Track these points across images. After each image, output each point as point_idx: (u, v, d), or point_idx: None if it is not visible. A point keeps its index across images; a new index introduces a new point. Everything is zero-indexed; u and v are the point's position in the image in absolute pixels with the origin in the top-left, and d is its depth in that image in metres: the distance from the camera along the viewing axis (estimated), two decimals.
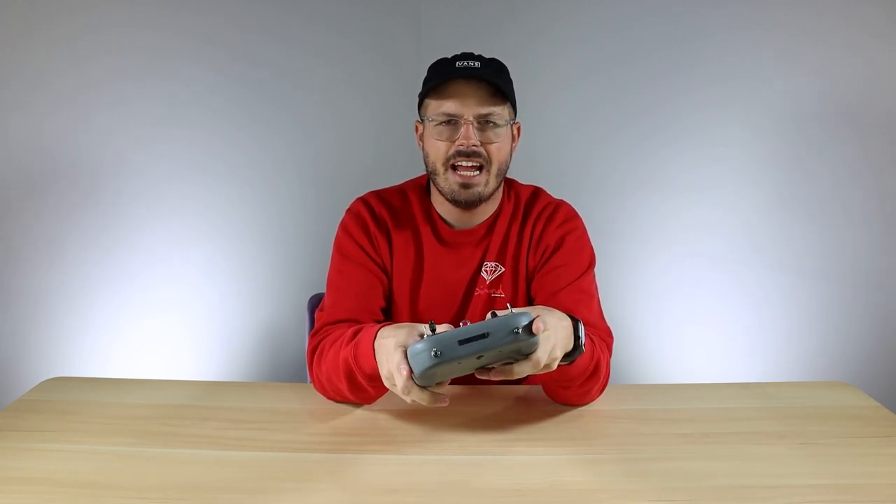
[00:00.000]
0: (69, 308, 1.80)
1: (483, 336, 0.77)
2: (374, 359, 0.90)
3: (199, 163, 1.93)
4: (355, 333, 0.98)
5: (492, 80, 1.06)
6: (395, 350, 0.82)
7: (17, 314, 1.75)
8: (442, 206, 1.16)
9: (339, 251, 1.16)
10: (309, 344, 1.09)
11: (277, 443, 0.95)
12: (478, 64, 1.07)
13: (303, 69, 2.03)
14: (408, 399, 0.83)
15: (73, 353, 1.81)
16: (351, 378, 0.98)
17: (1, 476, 0.85)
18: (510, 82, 1.12)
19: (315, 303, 1.42)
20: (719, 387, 1.17)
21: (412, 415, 1.03)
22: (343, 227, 1.18)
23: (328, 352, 1.02)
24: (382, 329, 0.92)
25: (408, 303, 1.16)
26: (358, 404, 1.06)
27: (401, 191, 1.21)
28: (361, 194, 1.22)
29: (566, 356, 0.89)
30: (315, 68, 2.05)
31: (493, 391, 1.13)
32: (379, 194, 1.20)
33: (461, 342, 0.76)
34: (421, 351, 0.77)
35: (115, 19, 1.74)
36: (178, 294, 1.95)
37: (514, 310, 0.80)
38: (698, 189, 2.00)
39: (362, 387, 0.98)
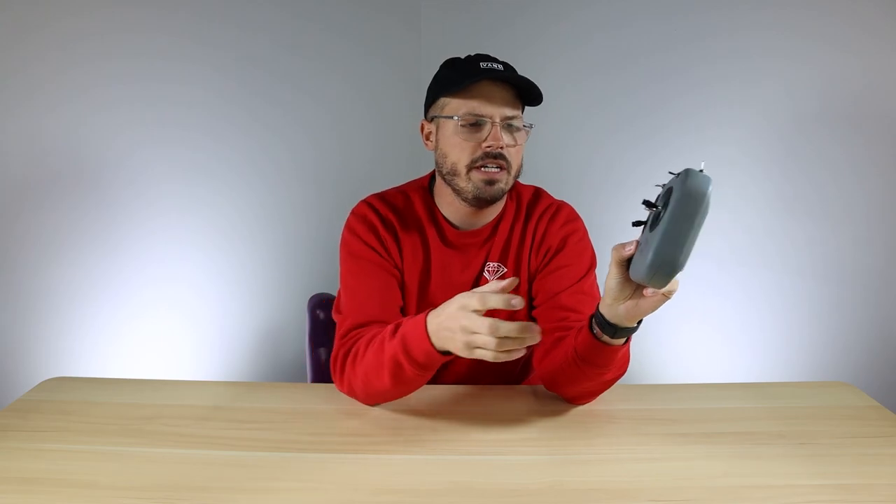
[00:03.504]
0: (69, 308, 1.80)
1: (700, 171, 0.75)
2: (429, 342, 0.89)
3: (200, 163, 1.93)
4: (396, 328, 0.96)
5: (521, 81, 1.05)
6: (461, 299, 0.83)
7: (18, 314, 1.75)
8: (449, 208, 1.15)
9: (351, 254, 1.14)
10: (336, 348, 1.06)
11: (277, 443, 0.95)
12: (500, 66, 1.07)
13: (302, 70, 2.03)
14: (493, 338, 0.81)
15: (73, 353, 1.82)
16: (398, 372, 0.95)
17: (1, 476, 0.85)
18: (535, 85, 1.10)
19: (315, 303, 1.42)
20: (719, 387, 1.17)
21: (412, 415, 1.03)
22: (350, 230, 1.15)
23: (364, 353, 0.99)
24: (429, 314, 0.90)
25: (415, 304, 1.16)
26: (372, 404, 1.06)
27: (402, 192, 1.20)
28: (362, 196, 1.21)
29: (626, 330, 0.89)
30: (314, 69, 2.05)
31: (493, 391, 1.13)
32: (381, 197, 1.19)
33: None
34: (706, 177, 0.74)
35: (114, 21, 1.74)
36: (178, 294, 1.95)
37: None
38: None
39: (409, 379, 0.96)
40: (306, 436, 0.97)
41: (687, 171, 0.75)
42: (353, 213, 1.18)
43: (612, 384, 1.04)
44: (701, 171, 0.75)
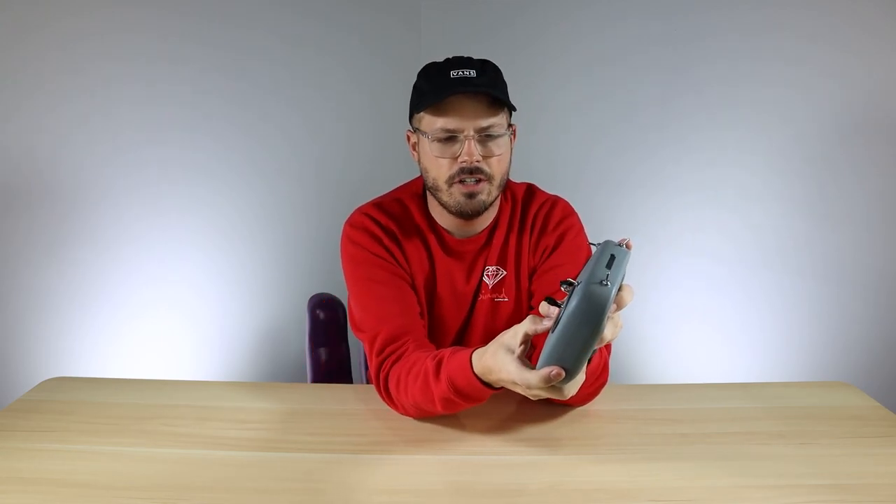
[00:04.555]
0: (69, 308, 1.80)
1: (613, 257, 0.72)
2: (482, 384, 0.87)
3: (200, 163, 1.93)
4: (437, 367, 0.92)
5: (490, 91, 1.01)
6: (515, 368, 0.78)
7: (18, 314, 1.75)
8: (442, 216, 1.14)
9: (357, 265, 1.10)
10: (375, 368, 1.03)
11: (277, 443, 0.95)
12: (473, 72, 1.01)
13: (302, 70, 2.03)
14: (531, 394, 0.79)
15: (73, 353, 1.82)
16: (452, 406, 0.94)
17: (1, 476, 0.85)
18: (505, 85, 1.07)
19: (315, 303, 1.42)
20: (719, 387, 1.17)
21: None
22: (352, 242, 1.12)
23: (408, 382, 0.96)
24: (473, 358, 0.87)
25: (425, 313, 1.14)
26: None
27: (397, 199, 1.16)
28: (362, 196, 1.20)
29: None
30: (314, 69, 2.05)
31: None
32: (377, 205, 1.15)
33: (607, 266, 0.71)
34: (606, 291, 0.69)
35: (114, 21, 1.74)
36: (178, 294, 1.95)
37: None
38: (700, 189, 2.00)
39: (465, 407, 0.95)
40: (306, 436, 0.97)
41: (587, 291, 0.69)
42: (349, 223, 1.14)
43: (597, 393, 1.04)
44: (610, 266, 0.71)
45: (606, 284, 0.69)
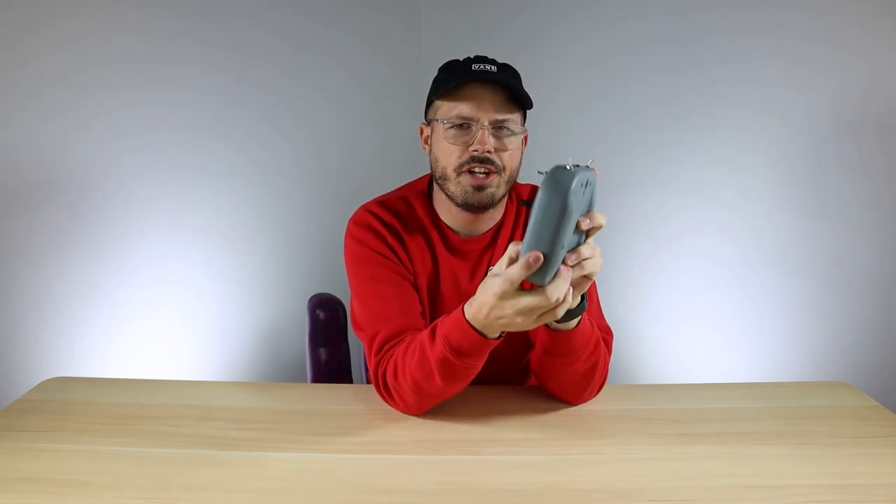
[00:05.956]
0: (69, 308, 1.80)
1: (578, 166, 0.76)
2: (477, 334, 0.87)
3: (200, 163, 1.93)
4: (432, 333, 0.93)
5: (510, 84, 1.03)
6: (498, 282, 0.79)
7: (18, 314, 1.75)
8: (447, 214, 1.14)
9: (360, 263, 1.10)
10: (374, 367, 1.03)
11: (277, 443, 0.95)
12: (494, 68, 1.04)
13: (302, 70, 2.03)
14: (520, 306, 0.79)
15: (73, 353, 1.81)
16: (449, 371, 0.93)
17: (1, 476, 0.85)
18: (522, 88, 1.08)
19: (315, 303, 1.42)
20: (719, 387, 1.17)
21: (412, 415, 1.03)
22: (354, 239, 1.11)
23: (405, 364, 0.97)
24: (464, 309, 0.89)
25: (428, 312, 1.14)
26: (424, 410, 1.03)
27: (402, 197, 1.17)
28: (362, 196, 1.20)
29: (569, 313, 0.86)
30: (314, 69, 2.05)
31: (493, 391, 1.13)
32: (382, 203, 1.15)
33: (576, 168, 0.75)
34: (570, 171, 0.73)
35: (114, 22, 1.74)
36: (178, 294, 1.95)
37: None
38: (700, 189, 2.00)
39: (462, 373, 0.94)
40: (306, 436, 0.97)
41: (551, 171, 0.75)
42: (353, 221, 1.14)
43: (594, 377, 1.02)
44: (566, 167, 0.75)
45: (570, 168, 0.73)
